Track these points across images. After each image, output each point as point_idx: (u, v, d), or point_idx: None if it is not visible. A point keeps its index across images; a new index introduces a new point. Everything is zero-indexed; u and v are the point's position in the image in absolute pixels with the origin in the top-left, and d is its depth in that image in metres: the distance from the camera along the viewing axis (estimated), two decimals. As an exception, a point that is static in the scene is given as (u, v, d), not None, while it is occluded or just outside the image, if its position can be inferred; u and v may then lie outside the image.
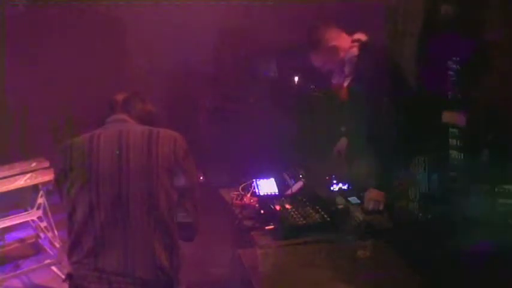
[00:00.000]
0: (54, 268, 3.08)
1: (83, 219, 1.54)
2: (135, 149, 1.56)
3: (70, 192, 1.56)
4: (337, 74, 2.43)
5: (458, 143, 2.01)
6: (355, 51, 2.33)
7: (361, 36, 2.37)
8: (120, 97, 1.74)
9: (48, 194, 2.97)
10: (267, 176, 2.43)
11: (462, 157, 1.98)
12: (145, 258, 1.53)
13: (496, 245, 1.68)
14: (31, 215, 2.96)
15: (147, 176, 1.55)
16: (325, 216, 2.09)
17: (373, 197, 2.15)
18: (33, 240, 3.44)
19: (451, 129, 2.04)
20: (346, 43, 2.37)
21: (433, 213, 1.96)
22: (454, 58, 2.04)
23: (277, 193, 2.35)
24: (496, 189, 1.85)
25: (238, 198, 2.30)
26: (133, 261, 1.52)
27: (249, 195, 2.31)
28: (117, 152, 1.55)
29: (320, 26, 2.40)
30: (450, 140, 2.03)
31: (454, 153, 2.01)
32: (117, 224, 1.53)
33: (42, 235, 3.15)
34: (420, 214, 2.00)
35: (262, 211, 2.17)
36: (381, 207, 2.14)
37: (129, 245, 1.52)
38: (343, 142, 2.56)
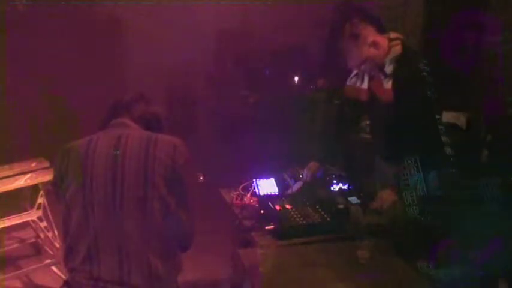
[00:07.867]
0: (54, 268, 3.06)
1: (77, 224, 1.51)
2: (132, 155, 1.53)
3: (65, 196, 1.54)
4: (374, 75, 2.15)
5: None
6: (398, 49, 2.08)
7: (398, 35, 2.12)
8: (124, 99, 1.71)
9: (48, 194, 2.97)
10: (267, 176, 2.44)
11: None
12: (140, 265, 1.50)
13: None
14: (31, 215, 2.96)
15: (143, 183, 1.51)
16: (325, 216, 2.09)
17: (385, 197, 2.12)
18: (33, 240, 3.44)
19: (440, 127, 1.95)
20: (383, 41, 2.09)
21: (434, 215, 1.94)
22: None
23: (277, 193, 2.35)
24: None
25: (238, 198, 2.30)
26: (129, 269, 1.48)
27: (249, 195, 2.31)
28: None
29: (358, 20, 2.06)
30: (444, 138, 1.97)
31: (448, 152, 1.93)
32: (112, 231, 1.49)
33: (42, 235, 3.14)
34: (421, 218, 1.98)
35: (262, 211, 2.17)
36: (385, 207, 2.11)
37: (124, 253, 1.49)
38: (313, 166, 2.46)
